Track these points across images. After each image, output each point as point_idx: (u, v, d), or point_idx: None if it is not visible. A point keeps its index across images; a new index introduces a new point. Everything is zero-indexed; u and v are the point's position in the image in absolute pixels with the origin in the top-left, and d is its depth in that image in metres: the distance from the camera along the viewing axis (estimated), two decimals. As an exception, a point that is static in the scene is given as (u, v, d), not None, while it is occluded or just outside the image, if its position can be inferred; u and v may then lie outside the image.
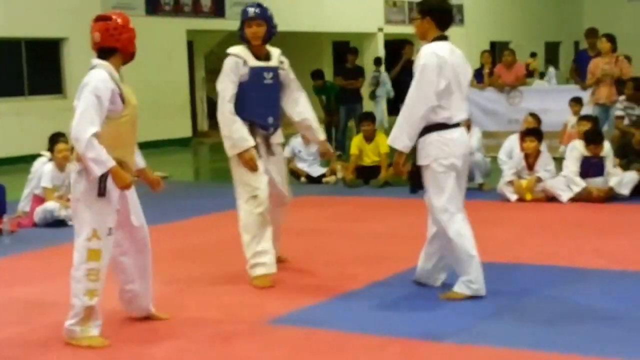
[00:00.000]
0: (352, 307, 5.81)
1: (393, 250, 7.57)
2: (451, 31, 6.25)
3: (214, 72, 20.48)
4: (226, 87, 6.44)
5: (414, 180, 6.09)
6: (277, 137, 6.69)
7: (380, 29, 25.53)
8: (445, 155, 5.72)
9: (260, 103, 6.47)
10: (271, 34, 6.55)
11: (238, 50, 6.53)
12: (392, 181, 11.56)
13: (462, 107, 5.82)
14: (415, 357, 4.80)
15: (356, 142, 12.08)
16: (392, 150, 5.99)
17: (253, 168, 6.37)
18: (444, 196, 5.80)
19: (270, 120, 6.55)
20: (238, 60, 6.47)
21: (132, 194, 5.20)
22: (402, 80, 16.68)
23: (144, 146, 19.22)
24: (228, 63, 6.47)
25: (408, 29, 25.71)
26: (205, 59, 22.02)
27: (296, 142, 12.36)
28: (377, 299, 6.01)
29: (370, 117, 12.38)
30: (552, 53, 33.33)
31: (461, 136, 5.84)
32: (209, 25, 20.24)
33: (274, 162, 6.63)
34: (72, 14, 16.81)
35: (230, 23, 20.64)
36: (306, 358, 4.83)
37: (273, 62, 6.58)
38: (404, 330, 5.20)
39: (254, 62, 6.48)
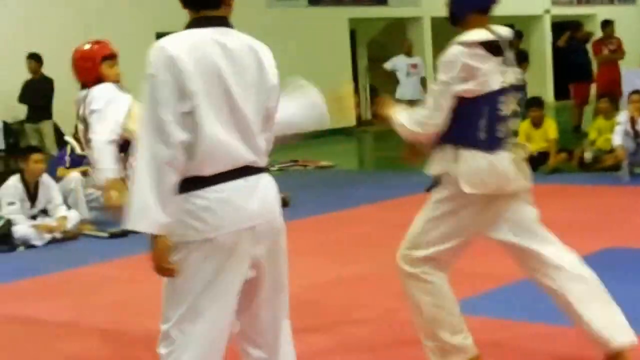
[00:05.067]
0: (523, 296, 5.73)
1: (563, 239, 7.37)
2: (621, 10, 5.35)
3: (376, 60, 20.77)
4: None
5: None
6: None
7: (547, 11, 24.93)
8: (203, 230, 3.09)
9: None
10: (452, 11, 4.41)
11: None
12: (562, 168, 11.37)
13: (250, 145, 3.15)
14: (590, 347, 4.69)
15: (524, 128, 11.86)
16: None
17: None
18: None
19: None
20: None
21: None
22: (568, 58, 16.37)
23: (308, 136, 19.42)
24: None
25: (577, 10, 25.03)
26: (367, 48, 22.13)
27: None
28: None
29: (538, 102, 12.15)
30: None
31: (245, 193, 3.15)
32: (370, 13, 20.32)
33: None
34: (237, 7, 17.13)
35: (392, 10, 20.68)
36: (478, 347, 4.80)
37: None
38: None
39: None
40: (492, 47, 4.19)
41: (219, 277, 3.10)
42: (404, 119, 4.30)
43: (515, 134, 4.32)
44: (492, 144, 4.17)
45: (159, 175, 3.00)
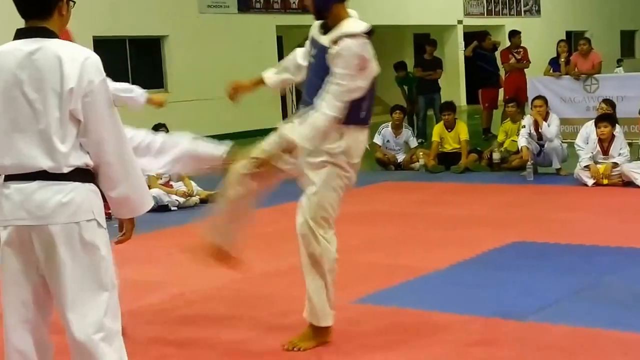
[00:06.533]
0: (435, 287, 5.80)
1: (473, 233, 7.52)
2: (527, 21, 5.70)
3: (302, 65, 20.72)
4: None
5: None
6: None
7: (460, 21, 25.27)
8: None
9: (304, 84, 4.77)
10: (318, 6, 4.55)
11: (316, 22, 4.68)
12: (472, 167, 11.52)
13: (47, 151, 3.10)
14: (497, 334, 4.77)
15: (437, 130, 12.05)
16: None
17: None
18: None
19: (300, 107, 4.71)
20: (310, 33, 4.73)
21: None
22: (478, 66, 16.56)
23: (238, 136, 19.45)
24: None
25: (487, 21, 25.41)
26: (294, 53, 22.13)
27: (386, 131, 12.34)
28: (459, 279, 5.99)
29: (450, 106, 12.31)
30: (627, 42, 32.53)
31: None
32: (297, 20, 20.30)
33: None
34: (171, 13, 17.07)
35: (317, 19, 20.73)
36: (389, 335, 4.84)
37: (324, 38, 4.51)
38: (486, 309, 5.18)
39: (315, 33, 4.65)
40: (371, 34, 4.46)
41: (5, 267, 3.21)
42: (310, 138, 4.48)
43: None
44: (367, 121, 4.61)
45: None
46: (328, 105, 4.38)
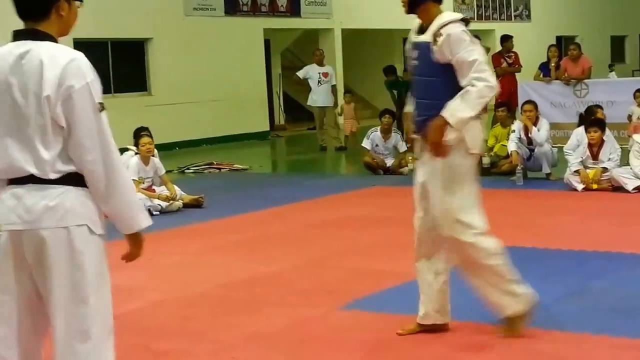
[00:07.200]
0: (418, 294, 5.74)
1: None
2: (518, 26, 5.74)
3: (289, 68, 20.70)
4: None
5: None
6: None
7: (449, 25, 25.33)
8: None
9: (413, 91, 4.80)
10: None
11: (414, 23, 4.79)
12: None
13: (31, 157, 3.07)
14: (486, 339, 4.74)
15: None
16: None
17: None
18: None
19: (415, 113, 4.73)
20: (409, 41, 4.84)
21: None
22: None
23: (226, 139, 19.31)
24: None
25: (477, 26, 25.44)
26: (281, 57, 22.10)
27: (375, 135, 12.31)
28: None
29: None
30: (617, 47, 32.65)
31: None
32: (284, 24, 20.30)
33: (427, 172, 4.73)
34: (156, 15, 17.01)
35: (305, 21, 20.70)
36: (377, 342, 4.80)
37: (424, 37, 4.60)
38: (475, 314, 5.13)
39: (412, 37, 4.76)
40: (467, 23, 4.60)
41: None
42: (465, 108, 4.43)
43: None
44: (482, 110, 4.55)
45: None
46: (479, 78, 4.42)
